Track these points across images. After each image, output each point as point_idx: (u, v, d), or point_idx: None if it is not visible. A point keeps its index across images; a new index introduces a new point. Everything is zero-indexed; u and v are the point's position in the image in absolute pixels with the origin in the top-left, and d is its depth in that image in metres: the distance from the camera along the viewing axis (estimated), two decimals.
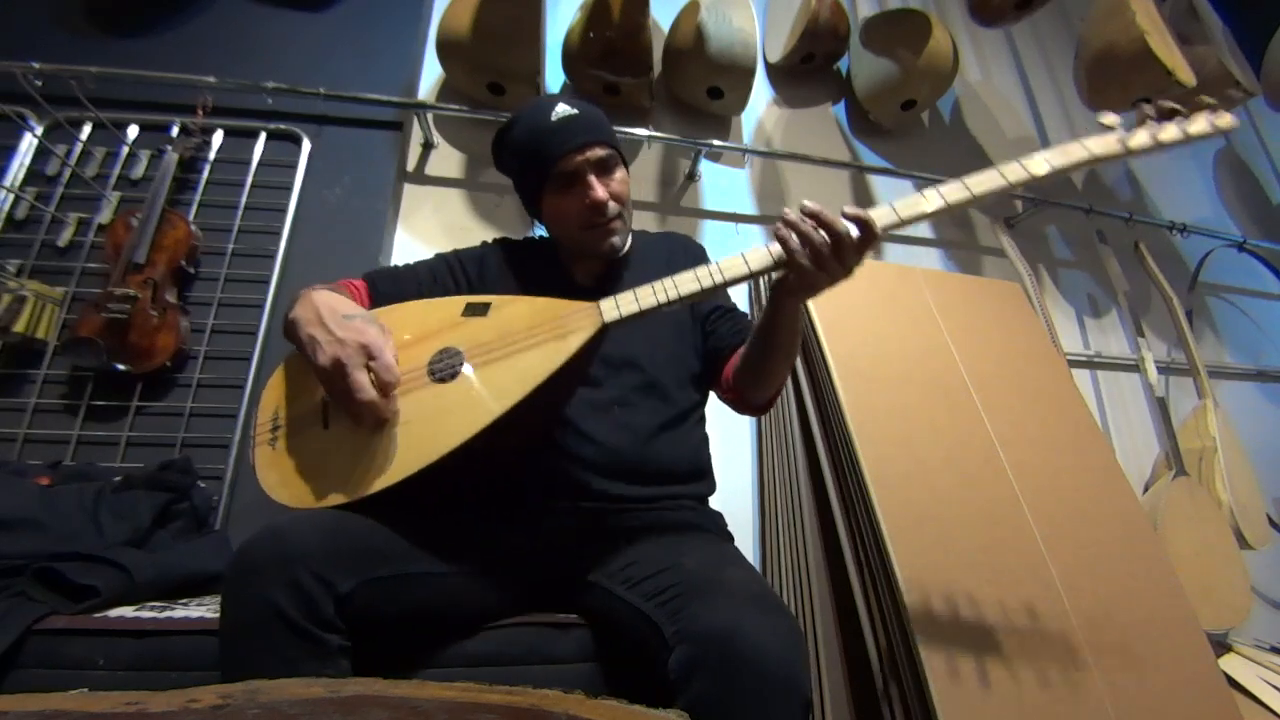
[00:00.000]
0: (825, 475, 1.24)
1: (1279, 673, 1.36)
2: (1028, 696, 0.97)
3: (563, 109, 0.89)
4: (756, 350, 0.85)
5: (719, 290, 0.75)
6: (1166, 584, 1.25)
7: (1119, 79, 1.80)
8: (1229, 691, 1.16)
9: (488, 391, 0.73)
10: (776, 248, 0.71)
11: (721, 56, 1.66)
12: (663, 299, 0.74)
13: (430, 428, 0.72)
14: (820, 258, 0.67)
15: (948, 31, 1.87)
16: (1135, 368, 1.98)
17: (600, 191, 0.88)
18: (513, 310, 0.80)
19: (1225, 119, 0.73)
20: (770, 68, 2.09)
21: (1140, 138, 0.73)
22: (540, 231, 1.05)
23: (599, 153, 0.89)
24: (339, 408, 0.75)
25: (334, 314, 0.75)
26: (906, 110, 1.96)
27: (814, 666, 1.12)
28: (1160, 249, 2.24)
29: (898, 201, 0.72)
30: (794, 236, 0.68)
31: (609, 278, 0.97)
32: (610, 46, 1.58)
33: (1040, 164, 0.74)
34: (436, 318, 0.82)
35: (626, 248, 0.98)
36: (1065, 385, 1.54)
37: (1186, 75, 1.71)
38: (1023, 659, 1.00)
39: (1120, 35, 1.73)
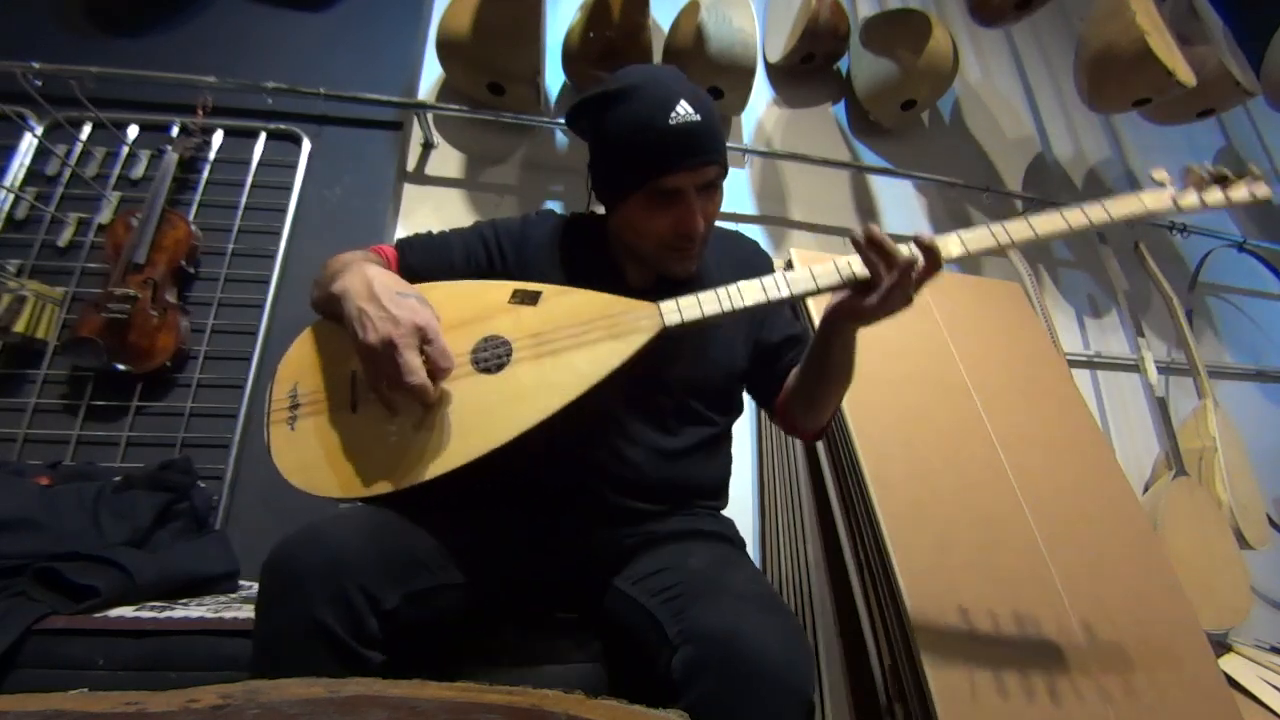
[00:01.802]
0: (825, 475, 1.24)
1: (1279, 673, 1.36)
2: (1028, 697, 0.97)
3: (685, 110, 0.73)
4: (811, 379, 0.81)
5: (783, 304, 0.72)
6: (1166, 584, 1.25)
7: (1119, 79, 1.80)
8: (1229, 691, 1.16)
9: (538, 388, 0.69)
10: (851, 264, 0.70)
11: (721, 56, 1.66)
12: (726, 307, 0.71)
13: (474, 421, 0.68)
14: (899, 286, 0.68)
15: (948, 31, 1.87)
16: (1135, 368, 1.98)
17: (699, 221, 0.76)
18: (565, 303, 0.75)
19: (1262, 189, 0.83)
20: (770, 68, 2.09)
21: (1190, 198, 0.84)
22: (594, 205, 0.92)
23: (709, 174, 0.76)
24: (375, 390, 0.70)
25: (387, 290, 0.69)
26: (906, 110, 1.96)
27: (814, 667, 1.12)
28: (1160, 249, 2.24)
29: (965, 233, 0.77)
30: (880, 261, 0.67)
31: (667, 284, 0.83)
32: (610, 46, 1.58)
33: (1099, 212, 0.81)
34: (482, 301, 0.76)
35: None
36: (1065, 385, 1.54)
37: (1186, 75, 1.71)
38: (1023, 659, 1.00)
39: (1120, 35, 1.73)
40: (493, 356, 0.72)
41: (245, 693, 0.41)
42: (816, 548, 1.22)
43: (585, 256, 0.87)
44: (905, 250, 0.68)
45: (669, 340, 0.73)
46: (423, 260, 0.86)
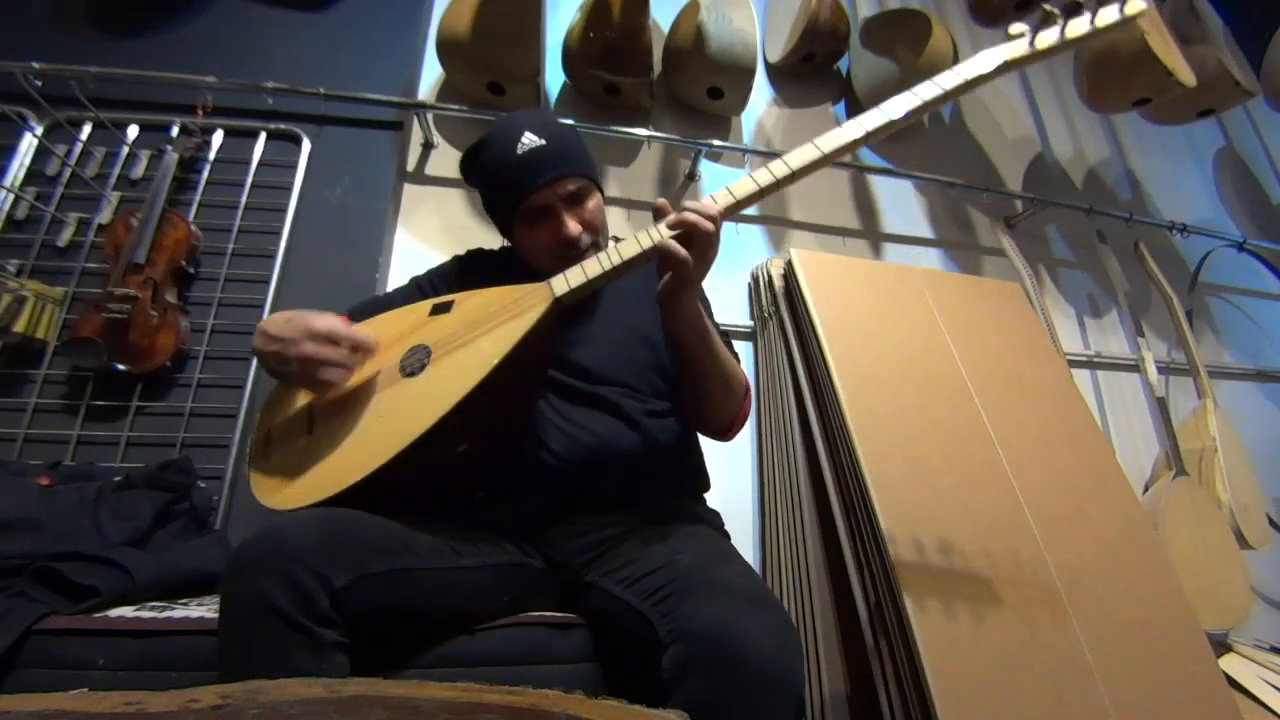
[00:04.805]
0: (825, 475, 1.24)
1: (1279, 673, 1.36)
2: (1028, 696, 0.97)
3: (529, 139, 0.86)
4: (685, 376, 0.88)
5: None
6: (1166, 584, 1.25)
7: (1119, 79, 1.80)
8: (1229, 691, 1.17)
9: (450, 377, 0.76)
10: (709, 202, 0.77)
11: (721, 56, 1.66)
12: (607, 265, 0.77)
13: (400, 417, 0.75)
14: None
15: (948, 31, 1.87)
16: (1135, 368, 1.98)
17: (572, 228, 0.87)
18: (474, 302, 0.83)
19: (1134, 5, 0.75)
20: (770, 68, 2.09)
21: (1048, 37, 0.75)
22: None
23: (569, 186, 0.88)
24: (337, 402, 0.78)
25: (277, 324, 0.79)
26: None
27: (814, 666, 1.12)
28: (1160, 249, 2.24)
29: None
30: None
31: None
32: (610, 46, 1.58)
33: (952, 77, 0.77)
34: (407, 322, 0.86)
35: None
36: (1065, 385, 1.54)
37: (1186, 75, 1.71)
38: (1023, 659, 1.00)
39: (1120, 35, 1.73)
40: (415, 362, 0.80)
41: (245, 693, 0.41)
42: (816, 548, 1.22)
43: (511, 282, 0.94)
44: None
45: (577, 327, 0.83)
46: (369, 316, 0.92)
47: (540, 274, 0.94)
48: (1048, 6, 0.75)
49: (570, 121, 0.95)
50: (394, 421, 0.75)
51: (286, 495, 0.75)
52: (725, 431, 0.94)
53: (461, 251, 1.08)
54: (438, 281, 1.00)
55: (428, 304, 0.87)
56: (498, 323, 0.79)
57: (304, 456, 0.78)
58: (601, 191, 0.94)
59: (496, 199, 0.93)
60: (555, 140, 0.88)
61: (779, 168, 0.76)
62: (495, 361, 0.74)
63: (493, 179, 0.91)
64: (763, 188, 0.76)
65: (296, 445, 0.80)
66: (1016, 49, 0.77)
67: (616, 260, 0.77)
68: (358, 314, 0.94)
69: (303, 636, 0.59)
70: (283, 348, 0.77)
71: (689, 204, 0.75)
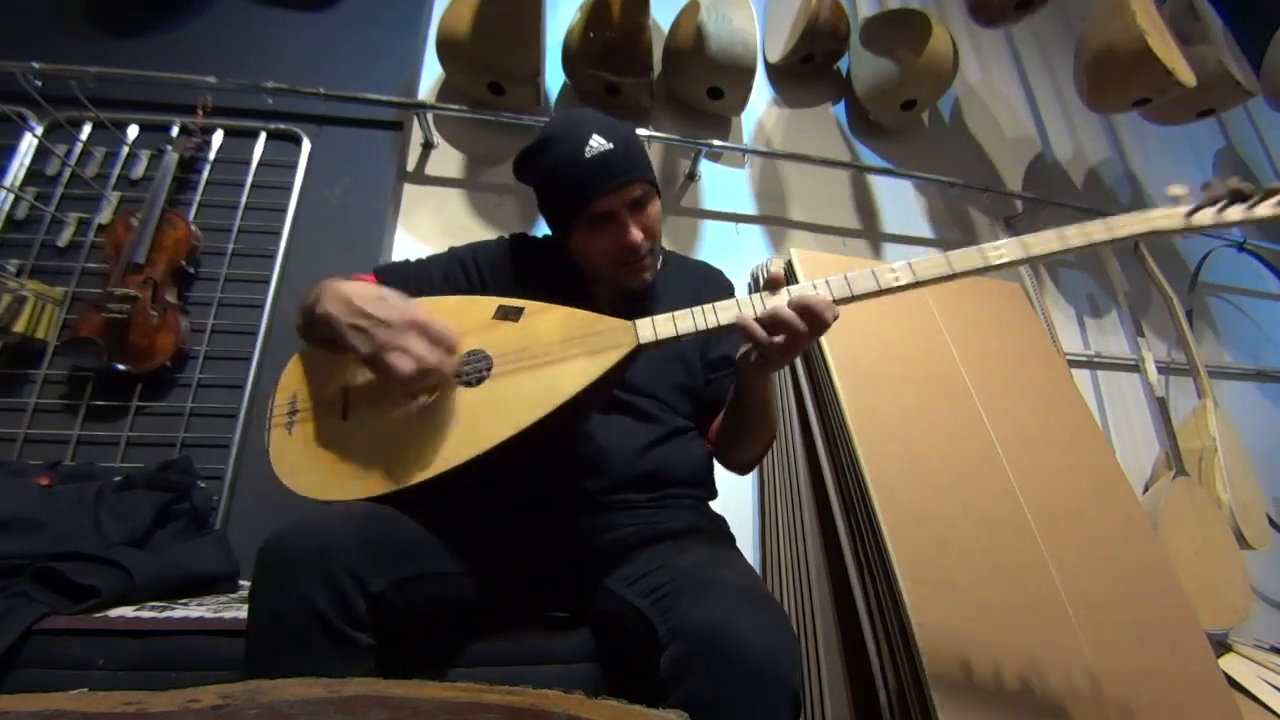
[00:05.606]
0: (825, 475, 1.24)
1: (1279, 673, 1.36)
2: (1027, 694, 0.97)
3: (598, 143, 0.82)
4: (730, 418, 0.88)
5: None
6: (1166, 584, 1.25)
7: (1119, 79, 1.80)
8: (1229, 691, 1.17)
9: (515, 401, 0.72)
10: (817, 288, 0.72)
11: (721, 56, 1.66)
12: (701, 325, 0.73)
13: (454, 432, 0.71)
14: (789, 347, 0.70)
15: (948, 31, 1.87)
16: (1135, 368, 1.98)
17: (635, 235, 0.84)
18: (545, 319, 0.78)
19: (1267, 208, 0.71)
20: (770, 68, 2.09)
21: (1204, 216, 0.73)
22: None
23: (635, 192, 0.84)
24: (378, 391, 0.74)
25: (367, 298, 0.73)
26: (906, 110, 1.96)
27: (814, 666, 1.12)
28: (1160, 249, 2.24)
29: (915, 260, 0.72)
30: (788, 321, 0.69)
31: (633, 304, 0.92)
32: (610, 46, 1.58)
33: (1101, 231, 0.74)
34: (467, 316, 0.80)
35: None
36: (1065, 385, 1.54)
37: (1186, 75, 1.71)
38: (1022, 658, 1.00)
39: (1120, 35, 1.73)
40: (474, 370, 0.75)
41: (245, 693, 0.41)
42: (816, 548, 1.22)
43: (557, 279, 0.92)
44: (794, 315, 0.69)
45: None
46: (401, 285, 0.87)
47: (593, 277, 0.93)
48: (1217, 186, 0.73)
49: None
50: (444, 435, 0.71)
51: (310, 482, 0.73)
52: (745, 468, 0.96)
53: None
54: (481, 261, 0.95)
55: (491, 302, 0.81)
56: (572, 354, 0.73)
57: (335, 444, 0.75)
58: (660, 196, 0.91)
59: (557, 201, 0.89)
60: (623, 144, 0.84)
61: (905, 273, 0.72)
62: (566, 397, 0.70)
63: (556, 180, 0.86)
64: (882, 288, 0.71)
65: (326, 427, 0.77)
66: (1172, 220, 0.74)
67: (711, 323, 0.72)
68: (389, 278, 0.89)
69: (339, 643, 0.59)
70: (372, 326, 0.70)
71: (808, 292, 0.70)
